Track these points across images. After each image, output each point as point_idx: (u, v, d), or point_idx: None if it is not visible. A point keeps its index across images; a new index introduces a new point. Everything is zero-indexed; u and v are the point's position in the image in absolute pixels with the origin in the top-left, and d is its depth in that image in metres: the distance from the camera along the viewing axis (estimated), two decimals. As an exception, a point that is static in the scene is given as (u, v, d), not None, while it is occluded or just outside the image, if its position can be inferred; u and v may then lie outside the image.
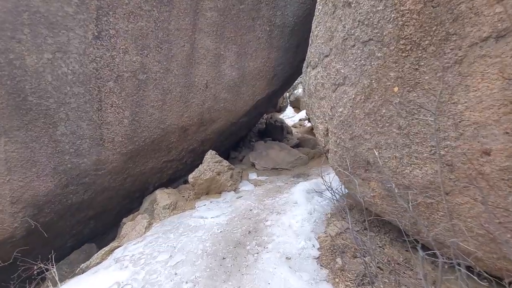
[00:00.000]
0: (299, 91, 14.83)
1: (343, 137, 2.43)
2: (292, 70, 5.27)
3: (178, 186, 5.56)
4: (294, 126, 10.81)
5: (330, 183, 3.09)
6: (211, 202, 4.13)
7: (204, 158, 4.54)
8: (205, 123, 4.88)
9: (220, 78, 4.59)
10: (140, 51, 4.08)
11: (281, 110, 15.55)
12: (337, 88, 2.40)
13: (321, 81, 2.65)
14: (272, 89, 5.13)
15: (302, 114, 12.91)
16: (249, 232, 2.91)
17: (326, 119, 2.67)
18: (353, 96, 2.20)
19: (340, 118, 2.41)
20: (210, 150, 4.63)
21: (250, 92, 4.89)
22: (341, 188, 3.23)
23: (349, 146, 2.39)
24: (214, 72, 4.54)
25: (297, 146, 6.65)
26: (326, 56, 2.52)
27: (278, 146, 6.05)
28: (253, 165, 5.81)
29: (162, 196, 4.41)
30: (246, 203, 3.73)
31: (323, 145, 2.94)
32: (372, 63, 1.99)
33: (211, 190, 4.45)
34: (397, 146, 1.99)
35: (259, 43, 4.66)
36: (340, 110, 2.39)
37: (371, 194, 2.36)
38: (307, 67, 3.12)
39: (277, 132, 7.54)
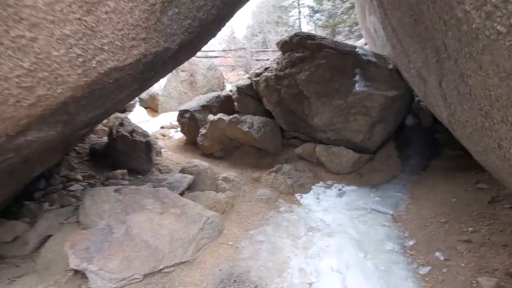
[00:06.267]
0: (155, 87, 10.72)
1: None
2: None
3: None
4: (156, 137, 6.97)
5: None
6: None
7: None
8: None
9: None
10: None
11: (126, 110, 10.87)
12: None
13: None
14: (161, 48, 1.60)
15: (164, 118, 9.09)
16: None
17: None
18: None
19: None
20: None
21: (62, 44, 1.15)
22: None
23: None
24: None
25: (187, 188, 3.27)
26: None
27: (153, 200, 2.44)
28: (83, 276, 1.88)
29: None
30: None
31: None
32: None
33: None
34: None
35: None
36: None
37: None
38: None
39: (138, 155, 3.70)
